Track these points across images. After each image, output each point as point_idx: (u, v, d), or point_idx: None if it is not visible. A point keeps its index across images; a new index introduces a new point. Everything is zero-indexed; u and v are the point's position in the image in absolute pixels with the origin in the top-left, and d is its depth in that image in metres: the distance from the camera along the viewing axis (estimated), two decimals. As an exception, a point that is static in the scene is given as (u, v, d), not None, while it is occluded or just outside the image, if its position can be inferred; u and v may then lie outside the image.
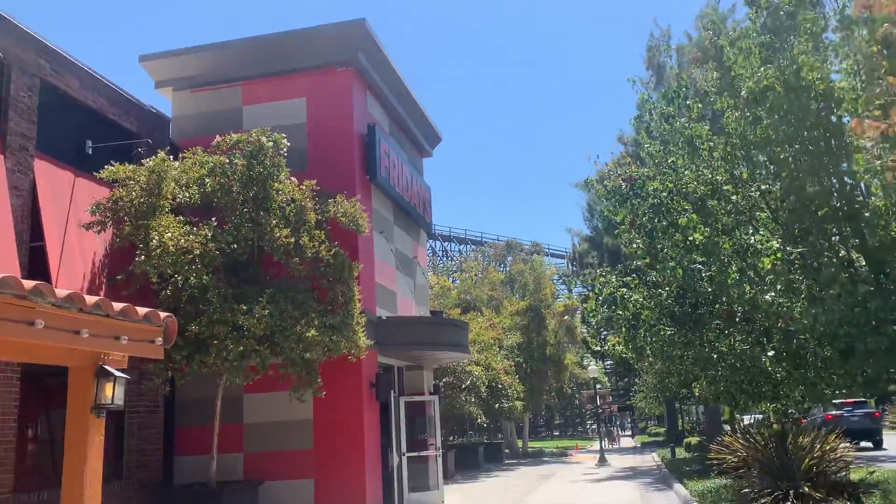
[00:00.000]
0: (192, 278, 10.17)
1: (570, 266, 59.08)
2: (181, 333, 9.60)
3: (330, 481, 13.08)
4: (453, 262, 59.58)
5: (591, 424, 74.27)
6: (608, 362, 54.08)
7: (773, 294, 7.83)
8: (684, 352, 9.10)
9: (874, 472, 13.97)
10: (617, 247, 29.58)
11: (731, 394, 9.84)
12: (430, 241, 61.23)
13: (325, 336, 10.72)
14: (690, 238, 8.52)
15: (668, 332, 9.10)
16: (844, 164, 7.46)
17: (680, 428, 40.37)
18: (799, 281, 7.54)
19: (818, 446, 13.74)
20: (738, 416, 23.63)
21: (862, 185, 7.61)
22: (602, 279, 9.71)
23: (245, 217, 11.18)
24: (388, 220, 16.56)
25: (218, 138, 12.05)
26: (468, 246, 70.03)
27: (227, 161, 11.48)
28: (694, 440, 28.27)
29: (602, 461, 30.04)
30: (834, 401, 15.96)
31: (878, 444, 25.52)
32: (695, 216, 8.03)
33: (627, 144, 21.26)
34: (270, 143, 11.60)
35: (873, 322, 6.70)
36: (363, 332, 11.78)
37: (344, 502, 12.94)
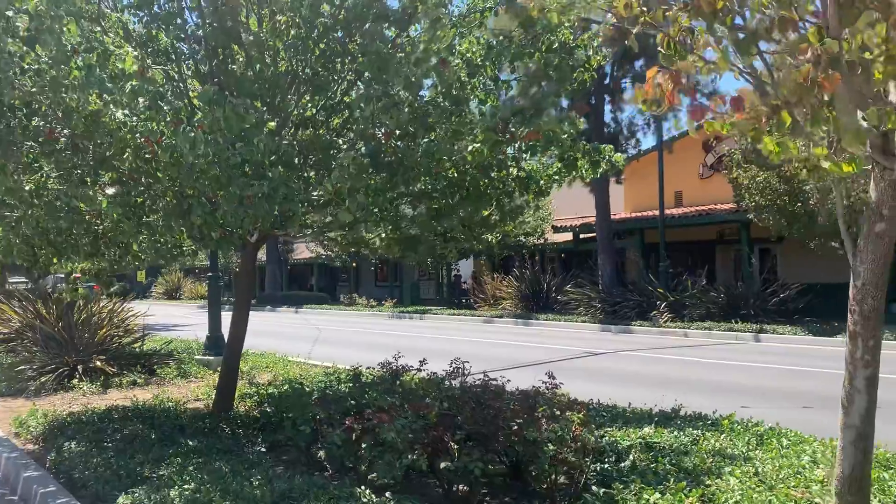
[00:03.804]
0: None
1: None
2: None
3: None
4: None
5: None
6: None
7: (127, 112, 5.79)
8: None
9: (171, 341, 13.39)
10: None
11: (32, 247, 7.32)
12: None
13: None
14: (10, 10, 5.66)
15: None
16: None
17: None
18: (167, 98, 5.71)
19: (109, 317, 12.37)
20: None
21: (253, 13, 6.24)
22: None
23: None
24: None
25: None
26: None
27: None
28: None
29: None
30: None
31: None
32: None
33: None
34: None
35: (255, 162, 5.45)
36: None
37: None
